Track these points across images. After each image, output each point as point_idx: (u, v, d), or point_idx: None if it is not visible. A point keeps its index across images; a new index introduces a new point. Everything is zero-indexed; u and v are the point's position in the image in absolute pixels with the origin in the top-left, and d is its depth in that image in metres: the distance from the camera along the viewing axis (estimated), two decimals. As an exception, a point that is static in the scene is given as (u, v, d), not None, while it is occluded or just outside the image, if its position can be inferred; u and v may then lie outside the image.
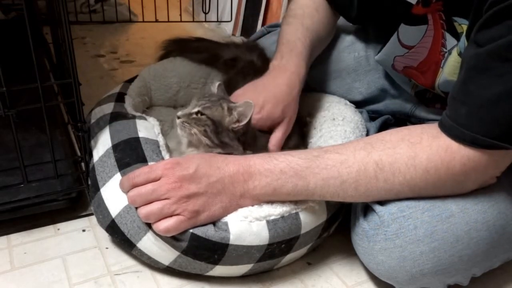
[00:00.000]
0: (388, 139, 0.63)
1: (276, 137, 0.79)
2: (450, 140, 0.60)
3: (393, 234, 0.62)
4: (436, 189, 0.63)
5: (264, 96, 0.78)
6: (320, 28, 0.90)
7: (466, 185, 0.63)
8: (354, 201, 0.66)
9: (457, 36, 0.73)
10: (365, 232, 0.65)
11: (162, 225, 0.61)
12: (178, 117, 0.73)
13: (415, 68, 0.83)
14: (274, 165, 0.63)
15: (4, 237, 0.75)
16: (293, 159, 0.63)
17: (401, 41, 0.83)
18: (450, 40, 0.74)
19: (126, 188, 0.65)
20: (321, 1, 0.92)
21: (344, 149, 0.63)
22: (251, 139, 0.76)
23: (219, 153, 0.72)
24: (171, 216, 0.61)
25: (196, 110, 0.73)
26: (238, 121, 0.73)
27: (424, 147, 0.60)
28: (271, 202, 0.65)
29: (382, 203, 0.64)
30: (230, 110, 0.73)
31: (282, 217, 0.65)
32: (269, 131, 0.80)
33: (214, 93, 0.78)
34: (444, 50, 0.76)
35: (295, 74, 0.81)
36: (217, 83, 0.79)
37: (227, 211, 0.64)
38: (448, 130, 0.60)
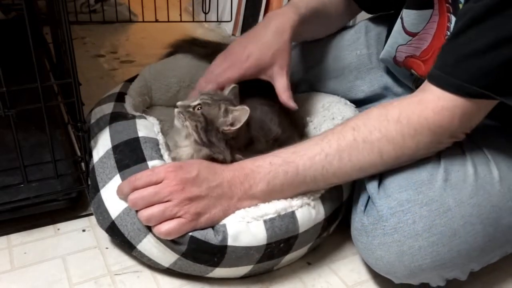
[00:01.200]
0: (364, 112, 0.67)
1: (281, 83, 0.79)
2: (423, 94, 0.63)
3: (392, 229, 0.62)
4: (415, 143, 0.63)
5: (251, 46, 0.79)
6: (331, 3, 0.91)
7: (442, 137, 0.64)
8: (345, 176, 0.66)
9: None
10: (364, 227, 0.65)
11: (163, 228, 0.61)
12: (176, 106, 0.74)
13: (417, 57, 0.83)
14: (263, 159, 0.65)
15: (4, 237, 0.75)
16: (280, 150, 0.66)
17: (405, 28, 0.82)
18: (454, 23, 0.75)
19: (126, 192, 0.64)
20: None
21: (326, 131, 0.67)
22: (247, 143, 0.76)
23: (206, 154, 0.72)
24: (172, 219, 0.62)
25: (196, 103, 0.73)
26: (231, 124, 0.72)
27: (395, 105, 0.64)
28: (267, 201, 0.66)
29: (381, 197, 0.64)
30: (226, 112, 0.73)
31: (279, 215, 0.65)
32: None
33: (223, 93, 0.77)
34: (449, 33, 0.76)
35: (286, 19, 0.81)
36: (231, 85, 0.77)
37: (227, 214, 0.64)
38: (435, 79, 0.62)
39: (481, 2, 0.58)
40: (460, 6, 0.72)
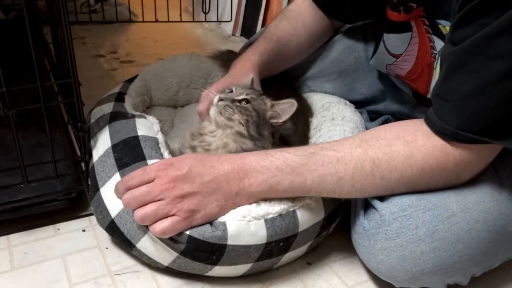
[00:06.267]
0: (383, 136, 0.63)
1: None
2: (444, 136, 0.61)
3: (394, 233, 0.62)
4: (429, 186, 0.64)
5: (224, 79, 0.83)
6: (299, 28, 0.94)
7: (457, 182, 0.64)
8: (349, 197, 0.66)
9: (443, 37, 0.74)
10: (365, 231, 0.65)
11: (158, 227, 0.61)
12: (220, 99, 0.73)
13: (404, 77, 0.84)
14: (270, 162, 0.63)
15: (4, 237, 0.75)
16: (289, 156, 0.63)
17: (388, 50, 0.84)
18: (438, 42, 0.75)
19: (122, 192, 0.64)
20: (307, 4, 0.96)
21: (340, 146, 0.63)
22: (280, 140, 0.78)
23: (248, 147, 0.72)
24: (166, 217, 0.61)
25: (242, 97, 0.73)
26: (278, 117, 0.74)
27: (419, 146, 0.61)
28: (268, 200, 0.65)
29: (383, 202, 0.64)
30: (272, 106, 0.75)
31: (280, 215, 0.65)
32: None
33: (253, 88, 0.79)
34: (434, 52, 0.76)
35: (245, 61, 0.85)
36: (251, 77, 0.80)
37: (223, 209, 0.63)
38: (433, 125, 0.62)
39: (459, 46, 0.58)
40: (440, 27, 0.73)
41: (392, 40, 0.82)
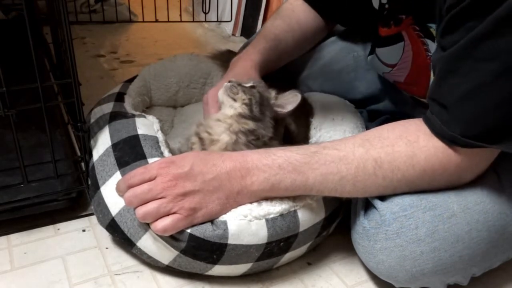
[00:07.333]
0: (386, 136, 0.63)
1: None
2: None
3: (394, 233, 0.62)
4: (430, 186, 0.64)
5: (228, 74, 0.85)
6: (293, 24, 0.94)
7: (459, 183, 0.64)
8: (351, 197, 0.66)
9: (434, 40, 0.74)
10: (365, 231, 0.65)
11: (159, 225, 0.61)
12: (230, 81, 0.76)
13: (402, 83, 0.84)
14: (272, 160, 0.63)
15: (4, 237, 0.75)
16: (291, 154, 0.63)
17: (383, 62, 0.84)
18: (432, 45, 0.75)
19: (123, 190, 0.64)
20: (300, 3, 0.96)
21: (342, 145, 0.63)
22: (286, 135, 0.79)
23: (251, 128, 0.73)
24: (168, 215, 0.61)
25: (250, 84, 0.76)
26: (281, 107, 0.76)
27: (421, 147, 0.61)
28: (270, 199, 0.65)
29: (383, 201, 0.64)
30: (276, 97, 0.77)
31: (281, 215, 0.65)
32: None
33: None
34: (429, 54, 0.77)
35: (246, 60, 0.86)
36: (253, 76, 0.83)
37: (225, 208, 0.63)
38: (433, 127, 0.61)
39: (448, 51, 0.57)
40: (432, 30, 0.73)
41: (385, 53, 0.83)
